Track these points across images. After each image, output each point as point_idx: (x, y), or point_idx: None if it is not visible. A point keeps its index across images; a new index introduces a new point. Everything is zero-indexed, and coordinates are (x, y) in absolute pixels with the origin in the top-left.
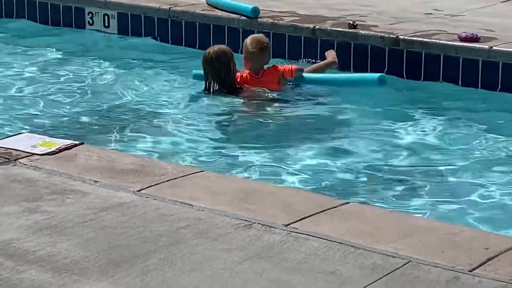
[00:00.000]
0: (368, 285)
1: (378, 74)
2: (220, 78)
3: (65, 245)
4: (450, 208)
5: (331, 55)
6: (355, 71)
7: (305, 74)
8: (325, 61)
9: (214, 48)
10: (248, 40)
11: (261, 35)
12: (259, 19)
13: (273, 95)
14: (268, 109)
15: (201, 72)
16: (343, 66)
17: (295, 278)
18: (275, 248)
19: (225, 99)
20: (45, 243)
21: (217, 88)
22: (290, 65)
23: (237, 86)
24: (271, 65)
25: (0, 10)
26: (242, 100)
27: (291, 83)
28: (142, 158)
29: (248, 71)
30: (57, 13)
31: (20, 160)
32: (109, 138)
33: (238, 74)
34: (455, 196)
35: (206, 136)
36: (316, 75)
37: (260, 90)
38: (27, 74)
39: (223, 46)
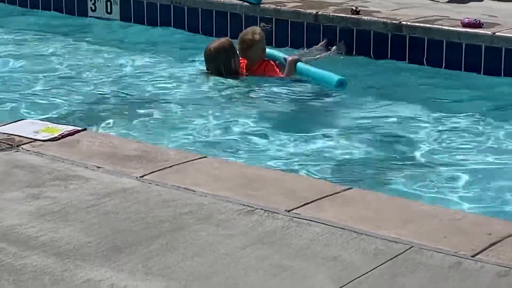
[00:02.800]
0: (370, 270)
1: (337, 77)
2: (220, 73)
3: (67, 231)
4: (453, 193)
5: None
6: (358, 56)
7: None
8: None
9: (214, 44)
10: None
11: (249, 31)
12: (261, 5)
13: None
14: (270, 93)
15: None
16: (346, 51)
17: (297, 264)
18: (277, 233)
19: (225, 82)
20: (48, 228)
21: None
22: (279, 71)
23: (240, 72)
24: (267, 61)
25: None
26: (242, 84)
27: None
28: (145, 144)
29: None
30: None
31: (22, 146)
32: (112, 124)
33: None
34: (458, 182)
35: (208, 122)
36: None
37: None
38: (28, 61)
39: (223, 41)
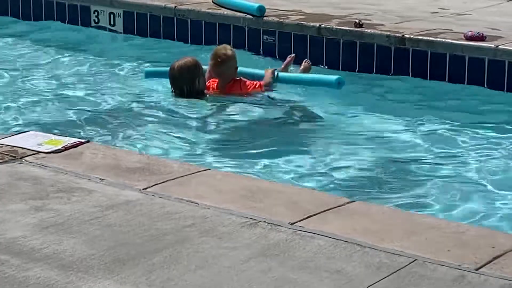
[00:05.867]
0: (373, 283)
1: (335, 77)
2: (182, 92)
3: (71, 243)
4: (457, 206)
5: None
6: (361, 70)
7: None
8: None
9: (179, 62)
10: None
11: (221, 47)
12: (264, 18)
13: (263, 95)
14: (267, 109)
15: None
16: (348, 65)
17: (300, 277)
18: (281, 246)
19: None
20: (51, 241)
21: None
22: (256, 82)
23: (205, 92)
24: (239, 79)
25: (5, 8)
26: (236, 101)
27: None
28: (148, 156)
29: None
30: (63, 11)
31: (26, 158)
32: (115, 136)
33: (209, 83)
34: (462, 195)
35: (210, 135)
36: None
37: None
38: (32, 73)
39: (189, 60)
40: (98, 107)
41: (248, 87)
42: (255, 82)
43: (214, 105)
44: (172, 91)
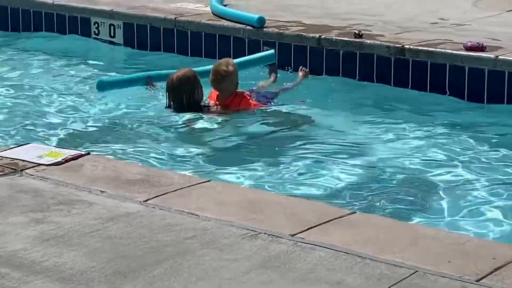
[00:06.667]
0: None
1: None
2: (181, 104)
3: (71, 256)
4: (457, 217)
5: (303, 74)
6: (361, 80)
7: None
8: (297, 80)
9: (177, 74)
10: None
11: (223, 62)
12: (264, 29)
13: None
14: (266, 121)
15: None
16: (348, 76)
17: None
18: (281, 258)
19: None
20: (51, 253)
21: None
22: (254, 102)
23: (203, 105)
24: (240, 94)
25: (5, 21)
26: (235, 113)
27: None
28: (148, 168)
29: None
30: (63, 23)
31: (26, 171)
32: (115, 148)
33: (211, 94)
34: (462, 206)
35: (210, 147)
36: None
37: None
38: (32, 85)
39: (187, 71)
40: (98, 119)
41: (247, 104)
42: (254, 102)
43: (214, 117)
44: (167, 105)
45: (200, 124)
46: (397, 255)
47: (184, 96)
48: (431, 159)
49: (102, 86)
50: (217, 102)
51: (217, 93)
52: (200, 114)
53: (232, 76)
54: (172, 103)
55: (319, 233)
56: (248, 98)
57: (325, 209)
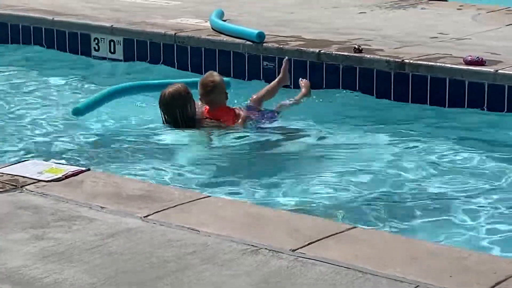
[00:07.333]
0: None
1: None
2: (175, 119)
3: (72, 272)
4: (458, 231)
5: (305, 84)
6: (361, 95)
7: None
8: (300, 95)
9: (169, 89)
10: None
11: (208, 74)
12: (264, 44)
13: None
14: (263, 136)
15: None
16: (348, 90)
17: None
18: (282, 273)
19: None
20: (52, 270)
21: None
22: (243, 114)
23: (198, 118)
24: (225, 108)
25: (6, 36)
26: (232, 128)
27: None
28: (149, 184)
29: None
30: (63, 39)
31: (26, 187)
32: (116, 164)
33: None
34: (463, 221)
35: (210, 162)
36: None
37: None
38: (32, 100)
39: (179, 86)
40: (98, 135)
41: (237, 115)
42: (245, 113)
43: (211, 132)
44: (163, 121)
45: (198, 139)
46: (398, 270)
47: (177, 111)
48: (431, 173)
49: (79, 112)
50: (208, 116)
51: (208, 107)
52: (197, 128)
53: (220, 85)
54: (166, 118)
55: (319, 248)
56: (238, 109)
57: (325, 224)
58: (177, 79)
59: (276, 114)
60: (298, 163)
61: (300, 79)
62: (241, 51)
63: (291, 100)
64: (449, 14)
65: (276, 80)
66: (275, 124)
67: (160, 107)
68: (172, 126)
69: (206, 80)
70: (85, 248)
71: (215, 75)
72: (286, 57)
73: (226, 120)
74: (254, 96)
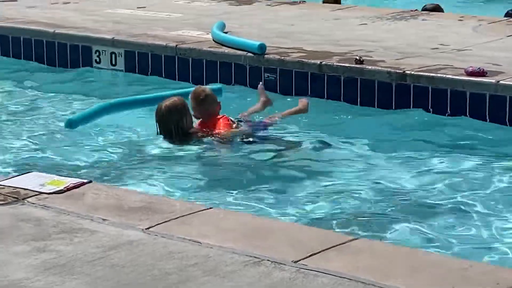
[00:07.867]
0: None
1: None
2: (171, 131)
3: (73, 284)
4: (460, 242)
5: (302, 103)
6: (362, 106)
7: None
8: (295, 108)
9: (166, 103)
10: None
11: (197, 88)
12: (266, 56)
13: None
14: (263, 146)
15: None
16: (350, 102)
17: None
18: (284, 285)
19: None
20: (53, 282)
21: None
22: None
23: (194, 131)
24: (218, 118)
25: (7, 49)
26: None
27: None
28: (150, 196)
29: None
30: (64, 51)
31: (28, 199)
32: (117, 176)
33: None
34: (465, 231)
35: (211, 174)
36: None
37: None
38: (34, 113)
39: (175, 100)
40: (99, 147)
41: (224, 128)
42: (230, 125)
43: (211, 144)
44: (157, 132)
45: (197, 151)
46: (400, 280)
47: (173, 125)
48: (432, 184)
49: (72, 124)
50: (201, 127)
51: (201, 120)
52: (195, 141)
53: (211, 95)
54: (162, 131)
55: (321, 259)
56: (227, 118)
57: (328, 235)
58: (173, 91)
59: (268, 126)
60: (299, 174)
61: (300, 99)
62: (242, 63)
63: (283, 114)
64: (450, 25)
65: (261, 103)
66: (273, 135)
67: (156, 120)
68: (166, 138)
69: (198, 90)
70: (86, 260)
71: (204, 87)
72: (260, 83)
73: (221, 129)
74: (245, 113)
